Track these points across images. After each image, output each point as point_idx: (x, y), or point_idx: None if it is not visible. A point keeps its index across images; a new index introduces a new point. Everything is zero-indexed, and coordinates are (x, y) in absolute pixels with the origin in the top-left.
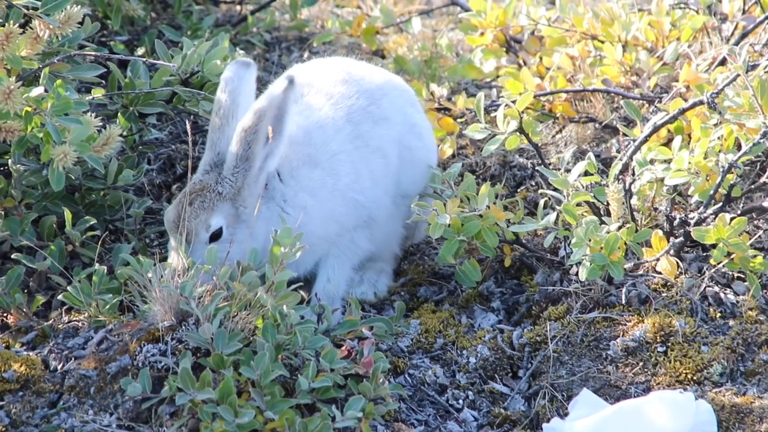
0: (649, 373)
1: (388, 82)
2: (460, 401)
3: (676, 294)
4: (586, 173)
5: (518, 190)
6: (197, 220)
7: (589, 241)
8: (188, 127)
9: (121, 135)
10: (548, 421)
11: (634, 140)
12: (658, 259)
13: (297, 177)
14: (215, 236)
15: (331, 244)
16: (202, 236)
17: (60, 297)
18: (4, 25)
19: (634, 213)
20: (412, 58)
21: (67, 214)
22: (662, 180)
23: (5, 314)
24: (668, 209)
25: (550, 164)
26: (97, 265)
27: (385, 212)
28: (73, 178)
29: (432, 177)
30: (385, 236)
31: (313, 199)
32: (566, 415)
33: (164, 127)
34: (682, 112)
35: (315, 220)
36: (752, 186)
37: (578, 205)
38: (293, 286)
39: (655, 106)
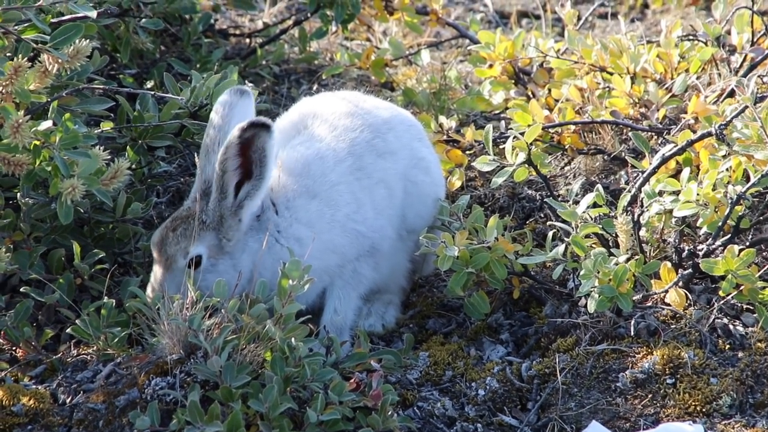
0: (658, 405)
1: (396, 116)
2: None
3: (685, 326)
4: (595, 205)
5: (527, 222)
6: (177, 246)
7: (598, 272)
8: (197, 160)
9: (129, 168)
10: None
11: (642, 172)
12: (666, 291)
13: (292, 208)
14: (195, 265)
15: (333, 275)
16: (179, 263)
17: (69, 330)
18: (13, 59)
19: (643, 245)
20: (421, 90)
21: (76, 248)
22: (671, 212)
23: (14, 348)
24: (677, 241)
25: (558, 196)
26: (105, 299)
27: (389, 242)
28: (81, 211)
29: (440, 209)
30: (391, 268)
31: (309, 231)
32: None
33: (173, 160)
34: (691, 143)
35: (313, 252)
36: (761, 218)
37: (587, 236)
38: (301, 319)
39: (664, 138)
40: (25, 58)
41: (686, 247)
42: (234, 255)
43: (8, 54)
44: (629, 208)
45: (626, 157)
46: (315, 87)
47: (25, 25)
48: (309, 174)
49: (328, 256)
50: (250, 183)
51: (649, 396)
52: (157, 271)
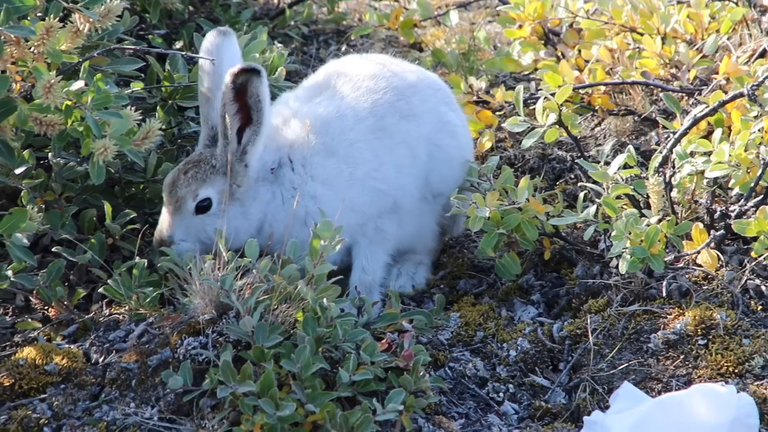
0: (690, 366)
1: (423, 80)
2: (501, 394)
3: (717, 287)
4: (626, 166)
5: (557, 183)
6: (187, 188)
7: (629, 233)
8: (227, 119)
9: (160, 128)
10: (589, 414)
11: (673, 133)
12: (698, 252)
13: (308, 165)
14: (203, 208)
15: (355, 233)
16: (188, 205)
17: (101, 290)
18: (44, 19)
19: (675, 206)
20: (450, 51)
21: (107, 208)
22: (702, 172)
23: (47, 307)
24: (709, 202)
25: (589, 157)
26: (137, 259)
27: (412, 201)
28: (112, 171)
29: (469, 170)
30: (417, 228)
31: (327, 189)
32: (607, 408)
33: None
34: (722, 104)
35: (330, 211)
36: None
37: (618, 197)
38: (333, 279)
39: (695, 99)
40: (57, 18)
41: (718, 208)
42: (244, 202)
43: (39, 14)
44: (661, 169)
45: (657, 118)
46: (343, 48)
47: None
48: (328, 132)
49: (348, 215)
50: (250, 128)
51: (681, 357)
52: (165, 213)
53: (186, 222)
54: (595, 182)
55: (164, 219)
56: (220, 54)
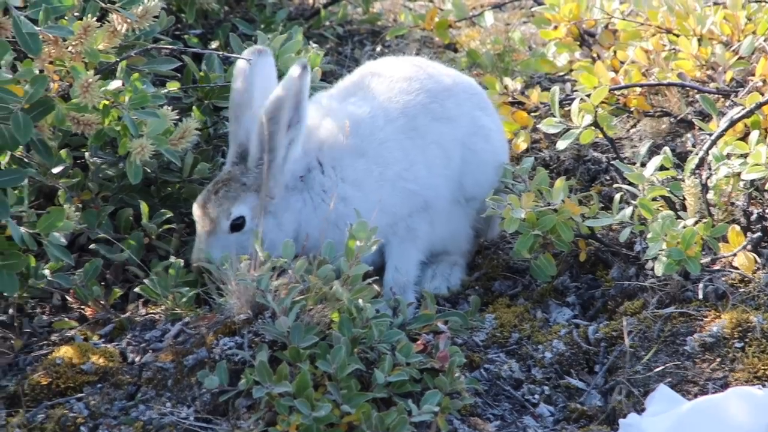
0: (726, 368)
1: (458, 84)
2: (536, 396)
3: (754, 289)
4: (662, 168)
5: (593, 184)
6: (220, 208)
7: (666, 235)
8: (264, 119)
9: (196, 128)
10: (625, 416)
11: (710, 135)
12: (735, 255)
13: (338, 167)
14: (237, 226)
15: (386, 233)
16: (223, 225)
17: (137, 289)
18: (81, 19)
19: (711, 208)
20: (485, 52)
21: (144, 207)
22: (739, 175)
23: (83, 306)
24: (745, 204)
25: (625, 158)
26: (173, 258)
27: (444, 201)
28: (149, 171)
29: (504, 172)
30: (450, 231)
31: (357, 191)
32: (643, 410)
33: None
34: (759, 106)
35: (362, 212)
36: None
37: (654, 199)
38: (368, 280)
39: (731, 100)
40: (94, 18)
41: (755, 211)
42: (277, 214)
43: (77, 14)
44: (697, 171)
45: (693, 120)
46: (378, 48)
47: None
48: (358, 133)
49: (379, 216)
50: (290, 131)
51: (718, 360)
52: (201, 234)
53: (222, 242)
54: (630, 184)
55: (200, 240)
56: (253, 74)
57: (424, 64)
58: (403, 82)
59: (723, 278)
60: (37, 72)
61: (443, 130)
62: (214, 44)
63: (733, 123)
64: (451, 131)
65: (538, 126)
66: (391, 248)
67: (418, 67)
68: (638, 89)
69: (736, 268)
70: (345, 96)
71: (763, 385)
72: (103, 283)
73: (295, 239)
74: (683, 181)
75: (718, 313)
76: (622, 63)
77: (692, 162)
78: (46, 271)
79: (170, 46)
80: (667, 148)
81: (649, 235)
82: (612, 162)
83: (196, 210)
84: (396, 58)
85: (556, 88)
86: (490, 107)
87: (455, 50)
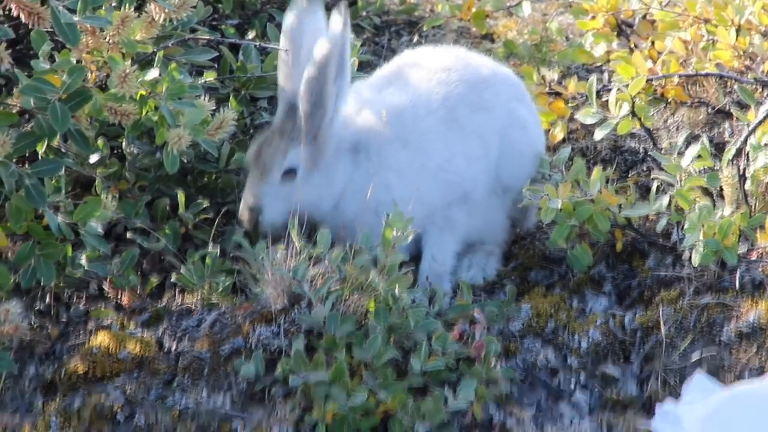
0: (763, 357)
1: (496, 75)
2: (572, 384)
3: None
4: (699, 158)
5: (629, 174)
6: (273, 156)
7: (703, 225)
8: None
9: (233, 119)
10: (661, 405)
11: (747, 125)
12: None
13: (383, 155)
14: (289, 175)
15: (423, 223)
16: (275, 172)
17: (173, 278)
18: (119, 9)
19: (748, 197)
20: (522, 42)
21: (181, 197)
22: None
23: (120, 295)
24: None
25: (662, 149)
26: (210, 247)
27: (482, 191)
28: (185, 161)
29: (541, 162)
30: (487, 221)
31: (399, 179)
32: (679, 398)
33: (275, 111)
34: None
35: (401, 201)
36: None
37: (691, 189)
38: (404, 270)
39: None
40: (132, 8)
41: None
42: (328, 170)
43: (114, 4)
44: (734, 161)
45: (731, 110)
46: (415, 39)
47: None
48: (401, 121)
49: (417, 206)
50: (336, 83)
51: (755, 349)
52: (252, 183)
53: (273, 190)
54: (668, 174)
55: (250, 189)
56: (300, 30)
57: (462, 54)
58: (442, 72)
59: (760, 268)
60: (74, 62)
61: (482, 121)
62: (251, 34)
63: None
64: (489, 122)
65: (575, 116)
66: (428, 237)
67: (456, 57)
68: (676, 79)
69: None
70: (384, 85)
71: None
72: (139, 272)
73: (336, 209)
74: (721, 171)
75: (755, 303)
76: (660, 53)
77: (730, 152)
78: (83, 260)
79: (207, 37)
80: (704, 138)
81: (686, 225)
82: (649, 152)
83: (249, 157)
84: (433, 48)
85: (593, 78)
86: (527, 98)
87: (492, 41)
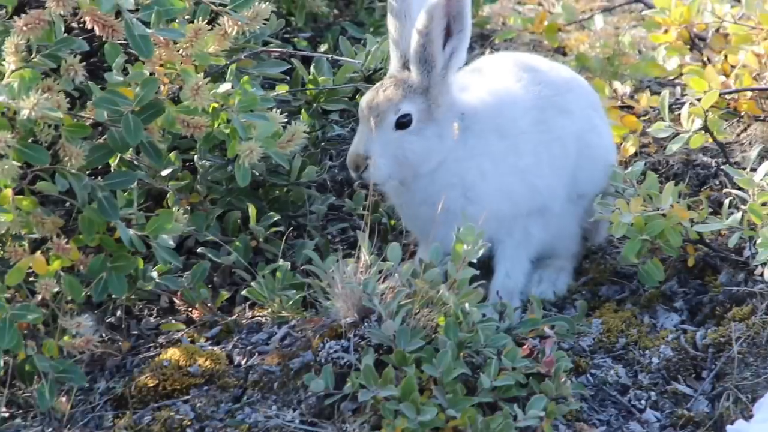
0: None
1: (574, 79)
2: (643, 402)
3: None
4: None
5: (702, 189)
6: (389, 103)
7: None
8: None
9: (304, 131)
10: (732, 423)
11: None
12: None
13: (484, 140)
14: (403, 124)
15: (502, 229)
16: (390, 118)
17: (244, 292)
18: (192, 22)
19: None
20: (594, 56)
21: (252, 210)
22: None
23: (190, 309)
24: None
25: (734, 163)
26: (280, 261)
27: (560, 203)
28: (257, 174)
29: (613, 175)
30: (560, 230)
31: (494, 168)
32: (750, 417)
33: (347, 124)
34: None
35: (490, 190)
36: None
37: (764, 204)
38: (475, 284)
39: None
40: (205, 21)
41: None
42: (441, 124)
43: (187, 17)
44: None
45: None
46: (487, 51)
47: None
48: (501, 114)
49: (502, 202)
50: (452, 40)
51: None
52: (362, 131)
53: (385, 137)
54: (740, 189)
55: (361, 136)
56: None
57: (539, 59)
58: (530, 72)
59: None
60: (147, 74)
61: (565, 124)
62: (323, 47)
63: None
64: (571, 124)
65: (647, 130)
66: (504, 250)
67: (537, 59)
68: (749, 93)
69: None
70: (476, 74)
71: None
72: (210, 286)
73: (434, 172)
74: None
75: None
76: (733, 67)
77: None
78: (154, 274)
79: (279, 49)
80: None
81: (758, 241)
82: (722, 166)
83: (362, 105)
84: (509, 53)
85: (665, 92)
86: (601, 109)
87: (564, 54)
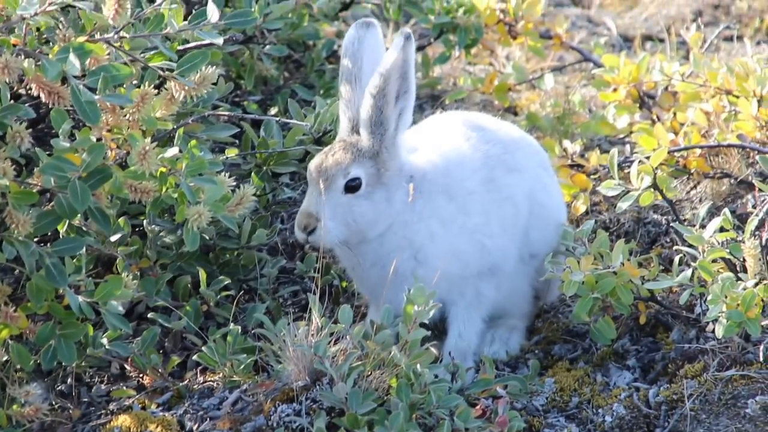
0: None
1: (523, 138)
2: None
3: None
4: (722, 229)
5: (652, 246)
6: (338, 166)
7: (726, 297)
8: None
9: (254, 194)
10: None
11: None
12: None
13: (432, 203)
14: (353, 188)
15: (453, 290)
16: (339, 182)
17: (195, 357)
18: (139, 87)
19: None
20: (545, 115)
21: (202, 274)
22: None
23: (141, 375)
24: None
25: (685, 220)
26: (231, 325)
27: (511, 263)
28: (207, 238)
29: (564, 234)
30: (512, 290)
31: (444, 231)
32: None
33: (297, 186)
34: None
35: (440, 252)
36: None
37: (714, 261)
38: (427, 345)
39: None
40: (152, 86)
41: None
42: (389, 188)
43: (135, 82)
44: (757, 233)
45: (753, 181)
46: (438, 112)
47: (152, 52)
48: (449, 175)
49: (453, 263)
50: (398, 102)
51: None
52: (311, 194)
53: (334, 201)
54: (690, 246)
55: (310, 199)
56: (361, 47)
57: (488, 117)
58: (479, 131)
59: None
60: (94, 140)
61: (514, 182)
62: (273, 110)
63: None
64: (521, 183)
65: (597, 188)
66: (456, 311)
67: (485, 119)
68: (698, 151)
69: None
70: (424, 136)
71: None
72: (161, 351)
73: (382, 236)
74: (743, 242)
75: None
76: (682, 125)
77: (752, 223)
78: (104, 340)
79: (228, 113)
80: (726, 210)
81: (709, 298)
82: (672, 224)
83: (311, 168)
84: (458, 112)
85: (615, 150)
86: (550, 168)
87: (515, 113)
